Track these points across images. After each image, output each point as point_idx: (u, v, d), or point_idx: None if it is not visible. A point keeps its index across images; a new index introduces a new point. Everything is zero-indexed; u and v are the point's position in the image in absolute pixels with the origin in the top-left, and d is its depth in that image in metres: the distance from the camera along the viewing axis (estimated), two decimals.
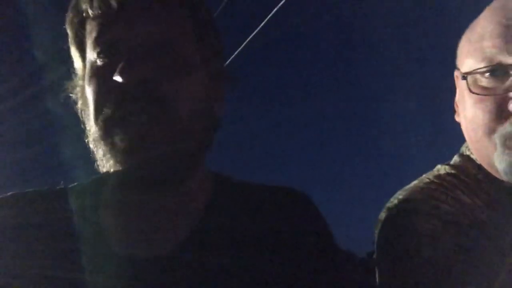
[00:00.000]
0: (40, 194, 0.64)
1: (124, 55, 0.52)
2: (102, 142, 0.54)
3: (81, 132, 0.60)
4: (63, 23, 0.61)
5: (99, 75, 0.55)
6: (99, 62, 0.55)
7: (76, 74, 0.62)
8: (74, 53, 0.61)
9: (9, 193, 0.64)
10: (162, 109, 0.53)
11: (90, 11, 0.55)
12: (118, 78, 0.51)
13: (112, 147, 0.53)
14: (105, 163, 0.54)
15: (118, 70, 0.51)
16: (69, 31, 0.60)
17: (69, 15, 0.59)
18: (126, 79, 0.51)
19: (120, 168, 0.52)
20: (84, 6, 0.56)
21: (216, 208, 0.62)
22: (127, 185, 0.56)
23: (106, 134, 0.53)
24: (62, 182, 0.67)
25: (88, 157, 0.57)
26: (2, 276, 0.56)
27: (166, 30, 0.55)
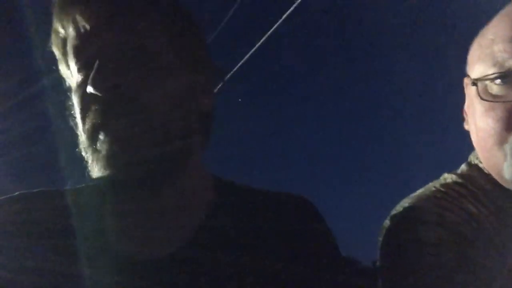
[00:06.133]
0: (47, 194, 0.65)
1: (95, 66, 0.54)
2: (88, 149, 0.56)
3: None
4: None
5: (80, 89, 0.57)
6: (79, 78, 0.57)
7: (70, 91, 0.63)
8: (63, 71, 0.63)
9: (16, 193, 0.65)
10: (138, 112, 0.54)
11: (64, 32, 0.58)
12: (90, 89, 0.53)
13: (96, 153, 0.54)
14: (94, 168, 0.55)
15: (89, 81, 0.53)
16: (55, 52, 0.62)
17: (52, 37, 0.61)
18: (98, 88, 0.53)
19: (105, 173, 0.54)
20: (60, 28, 0.58)
21: (218, 211, 0.62)
22: (114, 189, 0.57)
23: (91, 141, 0.55)
24: (69, 182, 0.68)
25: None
26: (9, 274, 0.57)
27: (134, 35, 0.56)
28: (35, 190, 0.65)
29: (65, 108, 0.63)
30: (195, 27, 0.64)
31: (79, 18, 0.55)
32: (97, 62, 0.54)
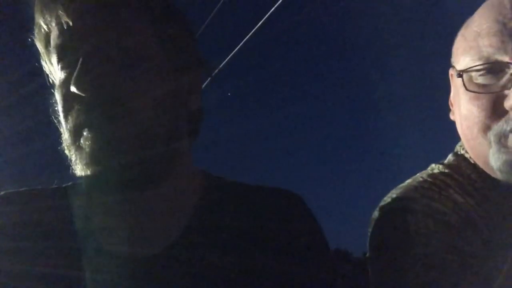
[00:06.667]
0: (32, 193, 0.64)
1: (78, 66, 0.53)
2: (72, 147, 0.55)
3: None
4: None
5: (63, 87, 0.55)
6: (62, 75, 0.56)
7: (53, 88, 0.61)
8: (46, 67, 0.61)
9: (0, 192, 0.64)
10: (122, 113, 0.52)
11: (46, 28, 0.56)
12: (73, 89, 0.52)
13: (80, 150, 0.53)
14: (77, 166, 0.54)
15: (72, 81, 0.52)
16: (38, 47, 0.60)
17: (35, 32, 0.59)
18: (81, 89, 0.52)
19: (89, 171, 0.53)
20: (42, 23, 0.57)
21: (207, 207, 0.61)
22: (99, 188, 0.56)
23: (74, 138, 0.54)
24: (55, 181, 0.67)
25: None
26: None
27: (120, 33, 0.54)
28: (20, 190, 0.65)
29: (49, 105, 0.62)
30: (184, 24, 0.62)
31: (61, 14, 0.53)
32: (80, 61, 0.52)
